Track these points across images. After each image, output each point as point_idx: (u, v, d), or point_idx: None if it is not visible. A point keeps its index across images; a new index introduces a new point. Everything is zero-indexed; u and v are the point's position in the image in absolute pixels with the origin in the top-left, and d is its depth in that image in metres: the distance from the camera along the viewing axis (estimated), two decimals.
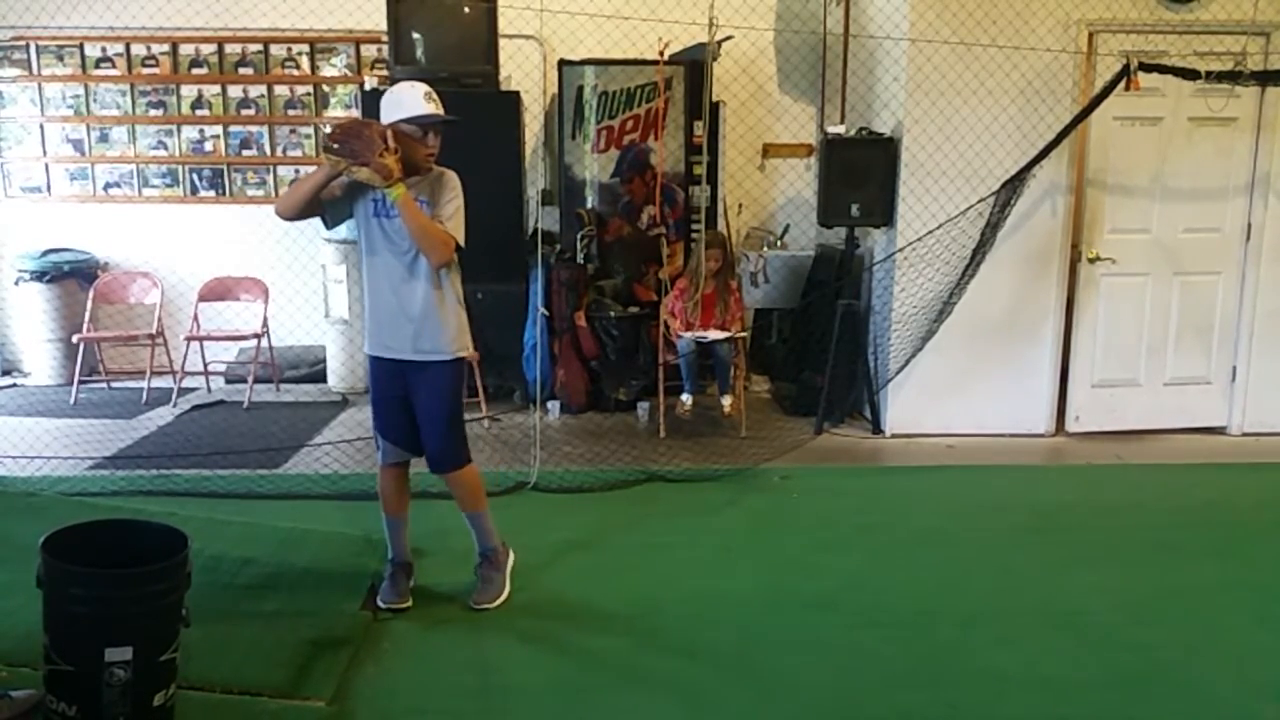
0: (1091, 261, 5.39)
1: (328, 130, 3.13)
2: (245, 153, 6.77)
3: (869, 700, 2.85)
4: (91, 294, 6.35)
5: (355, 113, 6.17)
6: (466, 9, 5.80)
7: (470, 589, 3.39)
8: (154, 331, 6.26)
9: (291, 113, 6.74)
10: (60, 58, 6.63)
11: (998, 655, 3.10)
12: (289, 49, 6.67)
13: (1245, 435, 5.62)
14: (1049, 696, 2.87)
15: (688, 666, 3.03)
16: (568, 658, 3.09)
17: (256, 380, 6.17)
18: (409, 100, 3.13)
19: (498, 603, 3.35)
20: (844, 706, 2.82)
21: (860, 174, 5.37)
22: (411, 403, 3.27)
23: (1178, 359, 5.58)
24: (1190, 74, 4.87)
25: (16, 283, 6.45)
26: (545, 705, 2.80)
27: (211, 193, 6.80)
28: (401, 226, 3.13)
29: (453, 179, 3.24)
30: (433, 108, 3.14)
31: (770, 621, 3.32)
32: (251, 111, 6.73)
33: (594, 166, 6.08)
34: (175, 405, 6.01)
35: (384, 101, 3.20)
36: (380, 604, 3.28)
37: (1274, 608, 3.48)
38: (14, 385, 6.52)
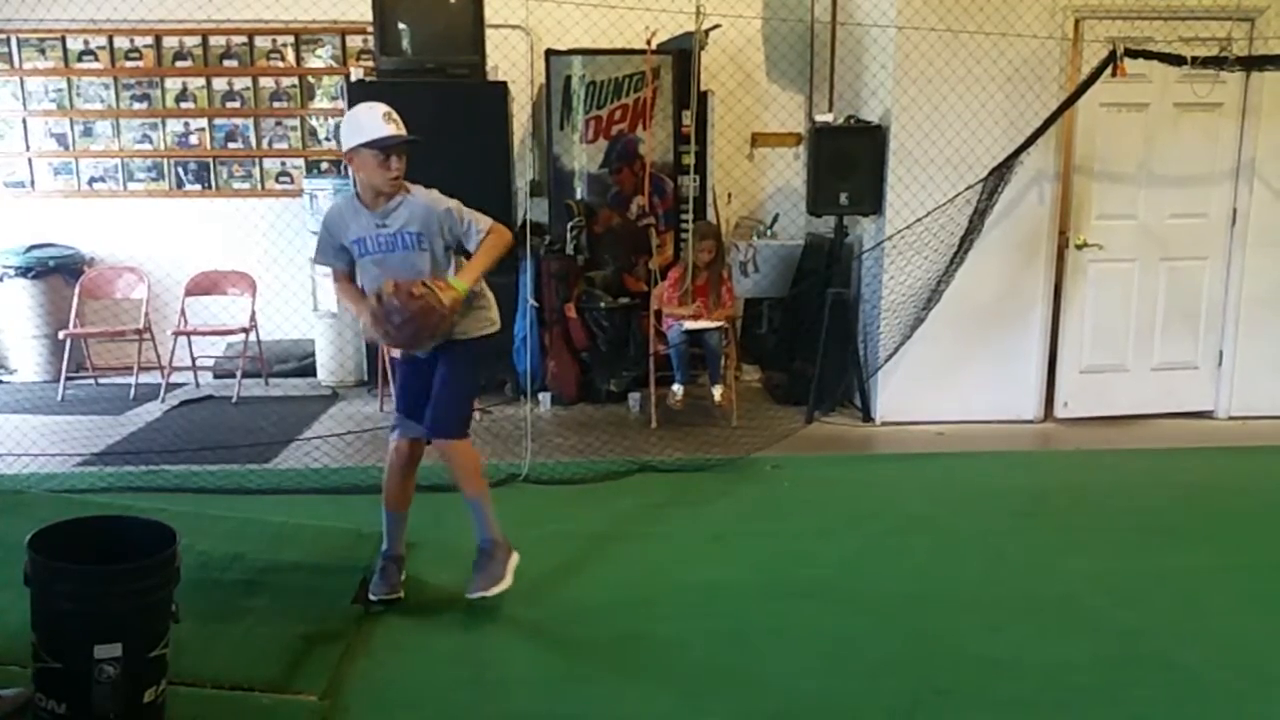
0: (1079, 248, 5.41)
1: (393, 323, 3.00)
2: (231, 146, 6.73)
3: (859, 687, 2.86)
4: (77, 289, 6.31)
5: (341, 105, 6.13)
6: None
7: (457, 584, 3.38)
8: (141, 327, 6.22)
9: (277, 105, 6.70)
10: (42, 51, 6.57)
11: (987, 641, 3.12)
12: (274, 41, 6.63)
13: (1232, 419, 5.65)
14: (1038, 681, 2.89)
15: (681, 655, 3.04)
16: (561, 649, 3.10)
17: (245, 375, 6.14)
18: (368, 123, 3.03)
19: (494, 591, 3.19)
20: (835, 693, 2.83)
21: (849, 162, 5.36)
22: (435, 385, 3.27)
23: (1165, 344, 5.60)
24: (1176, 60, 4.88)
25: (1, 279, 6.39)
26: (538, 696, 2.80)
27: (197, 186, 6.76)
28: (395, 260, 3.10)
29: (429, 197, 3.15)
30: (393, 129, 3.04)
31: (762, 609, 3.32)
32: (237, 104, 6.69)
33: (582, 157, 6.06)
34: (163, 401, 5.98)
35: (343, 126, 3.11)
36: (371, 597, 3.27)
37: (1262, 590, 3.50)
38: (0, 382, 6.48)
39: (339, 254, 3.24)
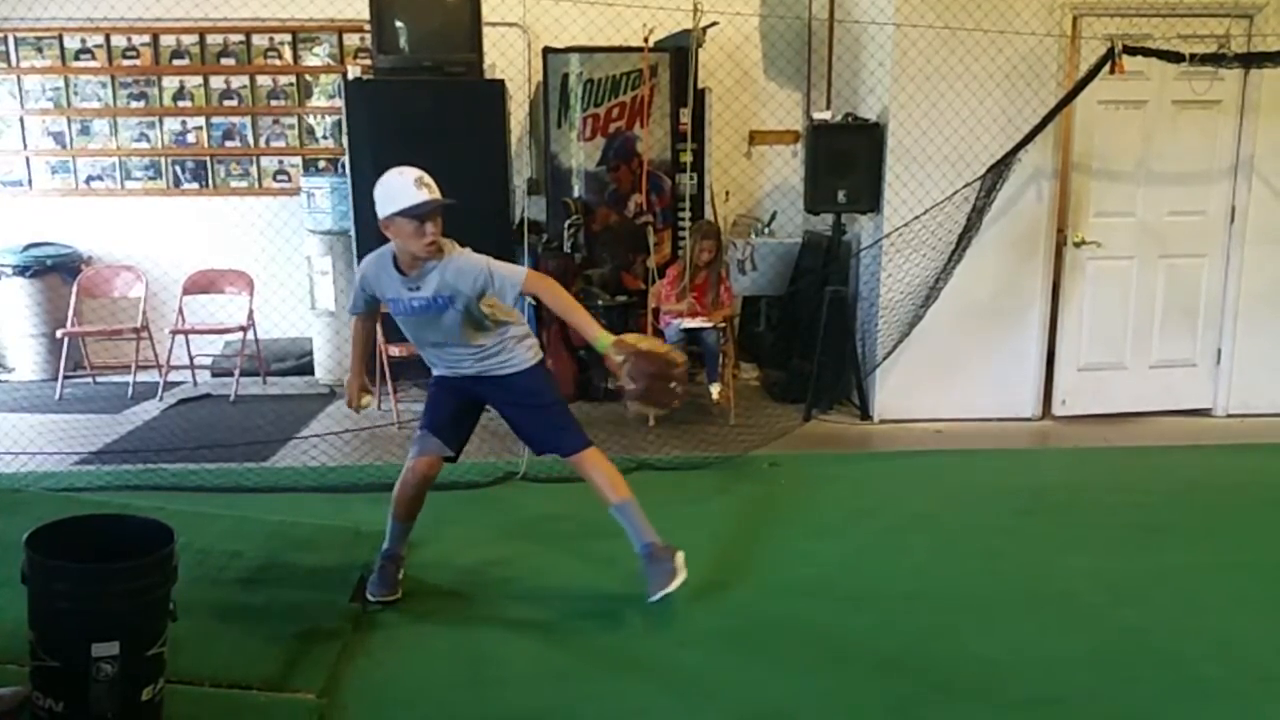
0: (1077, 245, 5.41)
1: (632, 384, 3.04)
2: (228, 144, 6.72)
3: (858, 685, 2.86)
4: (75, 288, 6.30)
5: (339, 103, 6.13)
6: None
7: (455, 583, 3.38)
8: (138, 325, 6.21)
9: (274, 103, 6.69)
10: (39, 50, 6.56)
11: (986, 638, 3.12)
12: (271, 39, 6.62)
13: (1230, 417, 5.65)
14: (1037, 678, 2.89)
15: (678, 653, 3.03)
16: (559, 647, 3.09)
17: (243, 373, 6.14)
18: (400, 191, 2.98)
19: (674, 585, 3.17)
20: (833, 691, 2.83)
21: (847, 160, 5.36)
22: (503, 412, 3.34)
23: (1163, 342, 5.60)
24: (1174, 57, 4.88)
25: None
26: (537, 695, 2.80)
27: (195, 185, 6.75)
28: (427, 323, 3.14)
29: (463, 262, 3.09)
30: (425, 194, 2.98)
31: (760, 607, 3.32)
32: (234, 102, 6.68)
33: (580, 155, 6.05)
34: (161, 399, 5.98)
35: (376, 194, 3.05)
36: (369, 597, 3.27)
37: (1260, 588, 3.50)
38: None
39: (369, 304, 3.31)
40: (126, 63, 6.61)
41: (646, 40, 5.76)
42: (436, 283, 3.07)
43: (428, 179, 3.03)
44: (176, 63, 6.62)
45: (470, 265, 3.09)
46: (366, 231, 5.85)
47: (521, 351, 3.27)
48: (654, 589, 3.20)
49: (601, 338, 3.08)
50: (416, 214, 2.97)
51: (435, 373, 3.37)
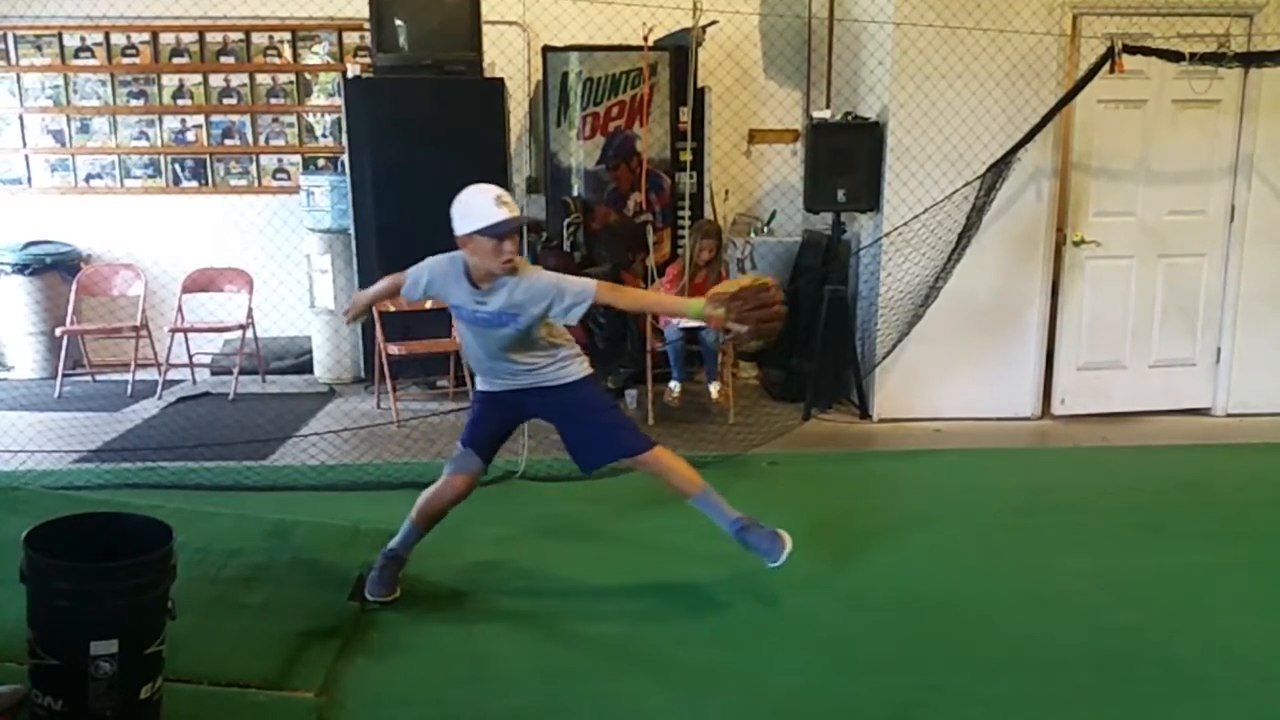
0: (1077, 245, 5.41)
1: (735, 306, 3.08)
2: (228, 142, 6.72)
3: (855, 683, 2.86)
4: (74, 286, 6.29)
5: (338, 101, 6.13)
6: None
7: (454, 581, 3.38)
8: (138, 324, 6.20)
9: (274, 101, 6.68)
10: (38, 48, 6.56)
11: (983, 638, 3.12)
12: (270, 37, 6.62)
13: (1230, 416, 5.65)
14: (1035, 678, 2.89)
15: (677, 652, 3.03)
16: (558, 646, 3.09)
17: (242, 372, 6.14)
18: (481, 210, 3.00)
19: (789, 546, 3.20)
20: (832, 690, 2.83)
21: (846, 159, 5.36)
22: (557, 423, 3.34)
23: (1163, 341, 5.60)
24: (1174, 56, 4.88)
25: None
26: (535, 693, 2.80)
27: (194, 183, 6.74)
28: (487, 333, 3.15)
29: (534, 282, 3.10)
30: (505, 212, 3.00)
31: (758, 606, 3.32)
32: (234, 101, 6.67)
33: (579, 154, 6.05)
34: (160, 398, 5.97)
35: (454, 212, 3.05)
36: (369, 597, 3.27)
37: (1259, 587, 3.50)
38: None
39: (423, 298, 3.33)
40: (126, 61, 6.60)
41: (646, 39, 5.76)
42: (505, 299, 3.08)
43: (506, 197, 3.05)
44: (176, 61, 6.61)
45: (541, 286, 3.10)
46: (365, 230, 5.87)
47: (573, 366, 3.31)
48: (772, 555, 3.22)
49: (692, 307, 3.17)
50: (495, 233, 2.99)
51: (481, 387, 3.35)
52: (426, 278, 3.23)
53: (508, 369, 3.24)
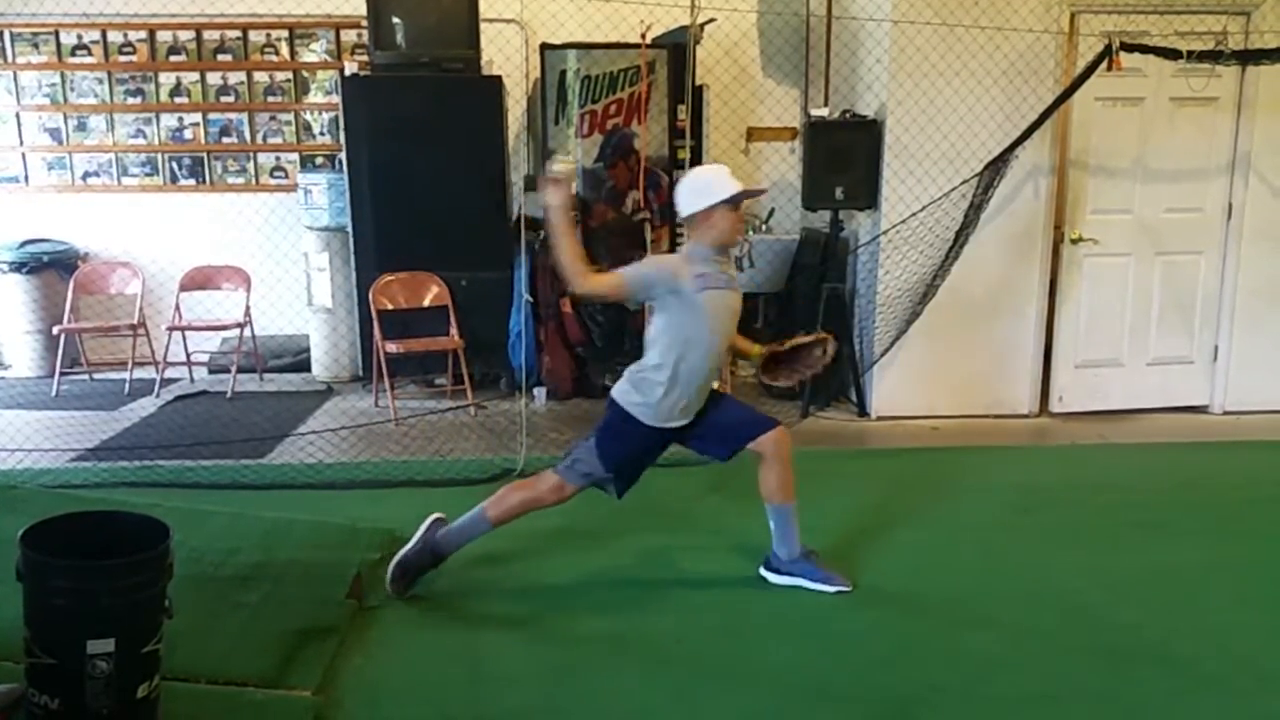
0: (1074, 242, 5.41)
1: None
2: (225, 140, 6.71)
3: (853, 681, 2.86)
4: (72, 285, 6.28)
5: (336, 99, 6.12)
6: None
7: (451, 579, 3.38)
8: (135, 322, 6.20)
9: (271, 99, 6.68)
10: (35, 45, 6.55)
11: (981, 635, 3.12)
12: (268, 35, 6.61)
13: (1227, 414, 5.66)
14: (1033, 676, 2.89)
15: (676, 650, 3.04)
16: (555, 644, 3.09)
17: (240, 370, 6.13)
18: (720, 184, 3.19)
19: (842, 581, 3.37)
20: (828, 688, 2.83)
21: (844, 157, 5.36)
22: (706, 419, 3.40)
23: (1160, 339, 5.61)
24: (1172, 54, 4.88)
25: None
26: (533, 692, 2.80)
27: (191, 181, 6.74)
28: (737, 306, 3.31)
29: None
30: (739, 185, 3.22)
31: (755, 604, 3.32)
32: (231, 99, 6.67)
33: (577, 151, 6.04)
34: (158, 396, 5.97)
35: (687, 191, 3.23)
36: (393, 593, 3.26)
37: (1257, 584, 3.51)
38: None
39: (648, 295, 3.38)
40: (123, 59, 6.59)
41: (644, 36, 5.75)
42: (733, 267, 3.40)
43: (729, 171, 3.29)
44: (173, 59, 6.60)
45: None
46: (363, 228, 5.86)
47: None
48: (831, 582, 3.38)
49: (751, 351, 3.50)
50: (736, 201, 3.20)
51: (662, 421, 3.29)
52: (654, 275, 3.30)
53: (716, 366, 3.35)
